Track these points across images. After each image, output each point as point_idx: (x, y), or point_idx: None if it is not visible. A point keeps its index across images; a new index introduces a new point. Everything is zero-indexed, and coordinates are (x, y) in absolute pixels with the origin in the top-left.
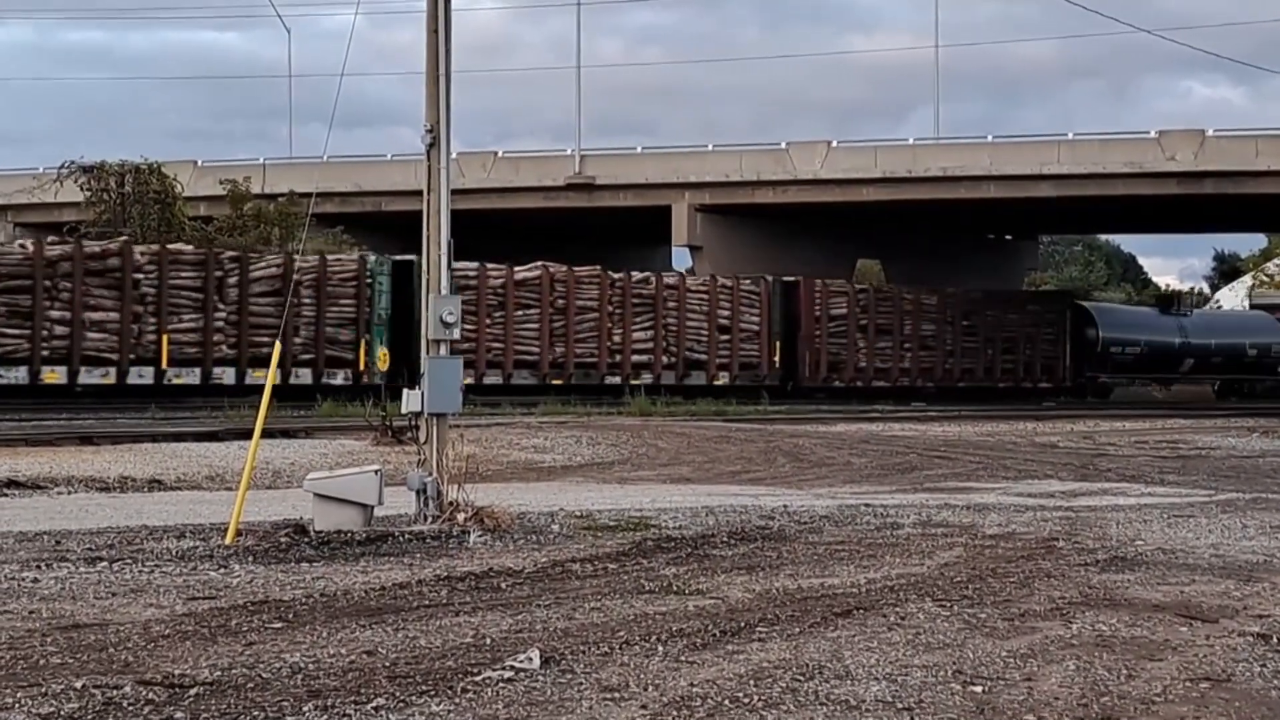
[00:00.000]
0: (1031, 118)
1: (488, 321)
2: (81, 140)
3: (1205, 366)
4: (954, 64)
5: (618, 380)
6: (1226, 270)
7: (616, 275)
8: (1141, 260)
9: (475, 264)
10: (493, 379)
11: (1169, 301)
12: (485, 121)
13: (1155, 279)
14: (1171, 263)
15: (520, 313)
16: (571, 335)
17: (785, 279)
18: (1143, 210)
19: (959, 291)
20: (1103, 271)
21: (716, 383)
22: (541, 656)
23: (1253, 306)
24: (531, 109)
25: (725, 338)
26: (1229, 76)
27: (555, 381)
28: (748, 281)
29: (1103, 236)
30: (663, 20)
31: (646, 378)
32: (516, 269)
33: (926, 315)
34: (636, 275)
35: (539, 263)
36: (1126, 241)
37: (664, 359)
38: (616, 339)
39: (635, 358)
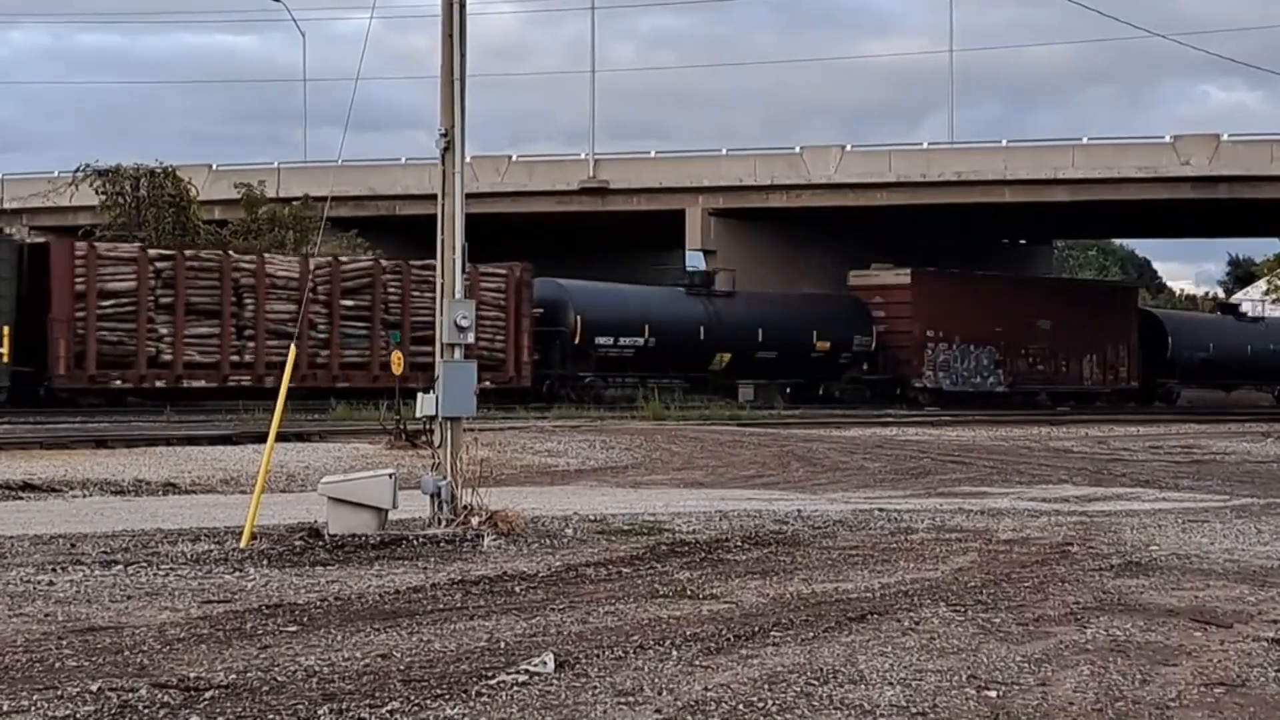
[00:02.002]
0: (1046, 122)
1: None
2: (97, 144)
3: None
4: (969, 68)
5: None
6: (1241, 275)
7: None
8: (1156, 265)
9: None
10: None
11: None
12: (500, 125)
13: (1170, 284)
14: (1187, 267)
15: None
16: None
17: (34, 240)
18: (1157, 215)
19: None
20: (1117, 276)
21: None
22: (555, 660)
23: None
24: (546, 112)
25: None
26: (1246, 80)
27: None
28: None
29: (1117, 241)
30: (677, 24)
31: None
32: None
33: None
34: None
35: None
36: (1141, 246)
37: None
38: None
39: None
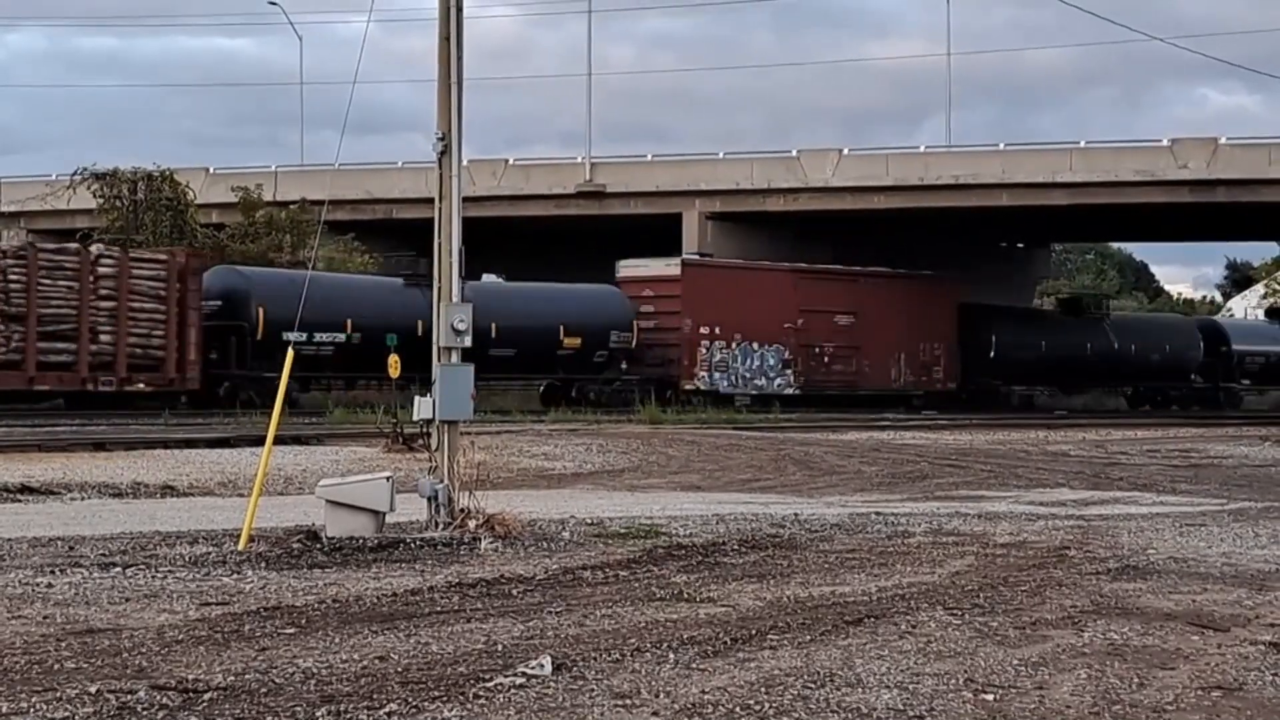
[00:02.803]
0: (1046, 124)
1: None
2: (94, 147)
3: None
4: (968, 70)
5: None
6: (1239, 279)
7: None
8: (1154, 269)
9: None
10: None
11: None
12: (498, 128)
13: (1168, 287)
14: (1185, 271)
15: None
16: None
17: None
18: (1155, 218)
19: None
20: (1115, 280)
21: None
22: (553, 663)
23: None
24: (545, 115)
25: None
26: (1245, 83)
27: None
28: None
29: (1115, 245)
30: (676, 26)
31: None
32: None
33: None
34: None
35: None
36: (1139, 250)
37: None
38: None
39: None
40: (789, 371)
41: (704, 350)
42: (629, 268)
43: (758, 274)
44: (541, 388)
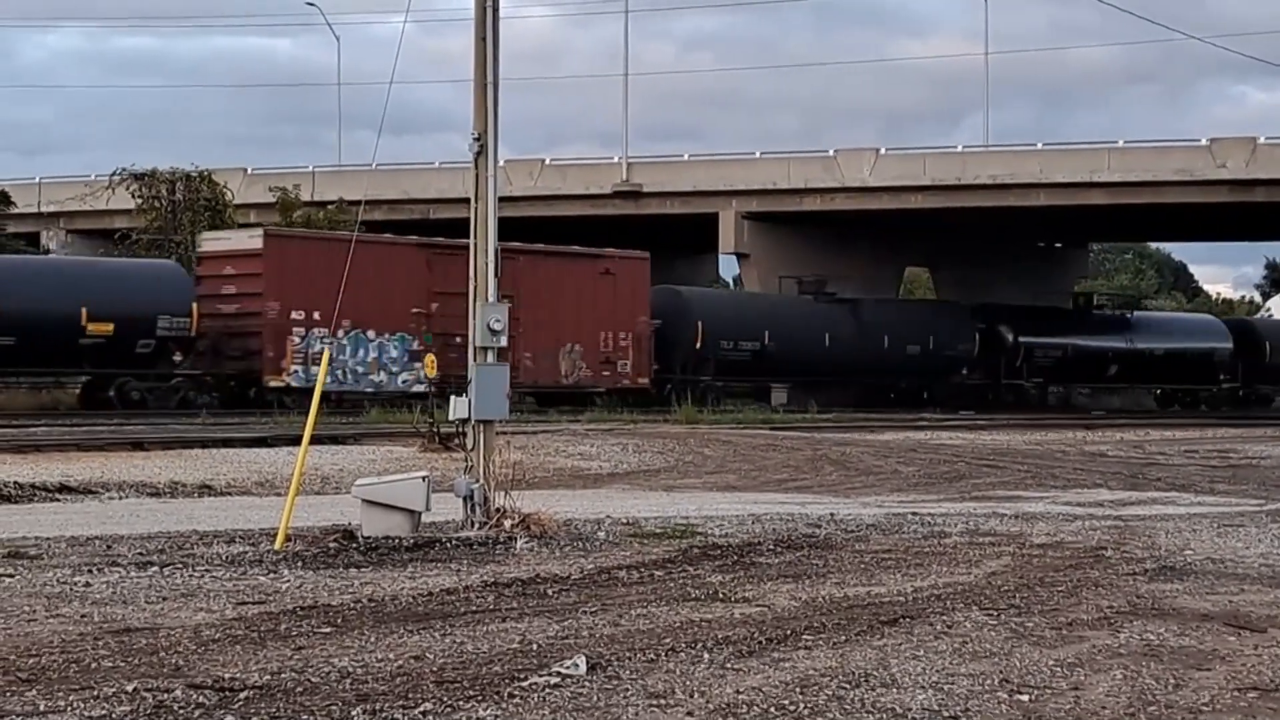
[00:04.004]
0: (1084, 124)
1: None
2: (133, 147)
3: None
4: (1006, 70)
5: None
6: (1278, 278)
7: None
8: (1193, 268)
9: None
10: None
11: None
12: (535, 128)
13: (1207, 287)
14: (1224, 270)
15: None
16: None
17: None
18: (1194, 218)
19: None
20: (1153, 280)
21: None
22: (588, 663)
23: None
24: (582, 115)
25: None
26: None
27: None
28: None
29: (1153, 244)
30: (714, 25)
31: None
32: None
33: None
34: None
35: None
36: (1177, 249)
37: None
38: None
39: None
40: (418, 365)
41: (297, 340)
42: (211, 240)
43: (377, 249)
44: (79, 387)
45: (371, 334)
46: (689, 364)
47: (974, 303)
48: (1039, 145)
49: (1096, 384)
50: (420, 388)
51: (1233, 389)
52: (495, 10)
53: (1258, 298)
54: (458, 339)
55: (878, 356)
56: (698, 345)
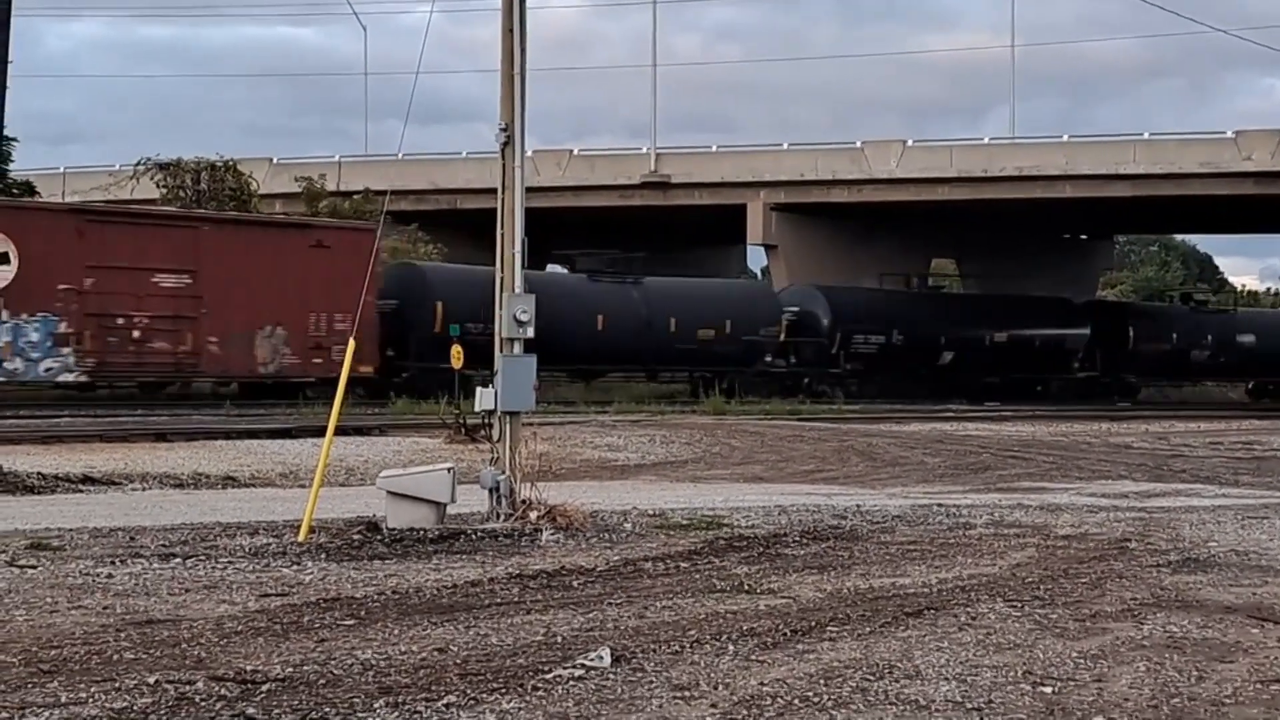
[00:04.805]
0: (1110, 116)
1: None
2: (158, 137)
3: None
4: (1032, 62)
5: None
6: None
7: None
8: (1219, 260)
9: None
10: None
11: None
12: (563, 118)
13: (1233, 279)
14: (1251, 262)
15: None
16: None
17: None
18: (1219, 210)
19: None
20: (1179, 272)
21: None
22: (612, 654)
23: None
24: (610, 105)
25: None
26: None
27: None
28: None
29: (1179, 236)
30: (742, 17)
31: None
32: None
33: None
34: None
35: None
36: (1203, 241)
37: None
38: None
39: None
40: (67, 350)
41: None
42: None
43: (16, 215)
44: None
45: (5, 314)
46: (428, 350)
47: (787, 285)
48: (1065, 137)
49: (928, 372)
50: (69, 377)
51: (1090, 378)
52: (522, 1)
53: None
54: (120, 320)
55: (662, 342)
56: (436, 329)
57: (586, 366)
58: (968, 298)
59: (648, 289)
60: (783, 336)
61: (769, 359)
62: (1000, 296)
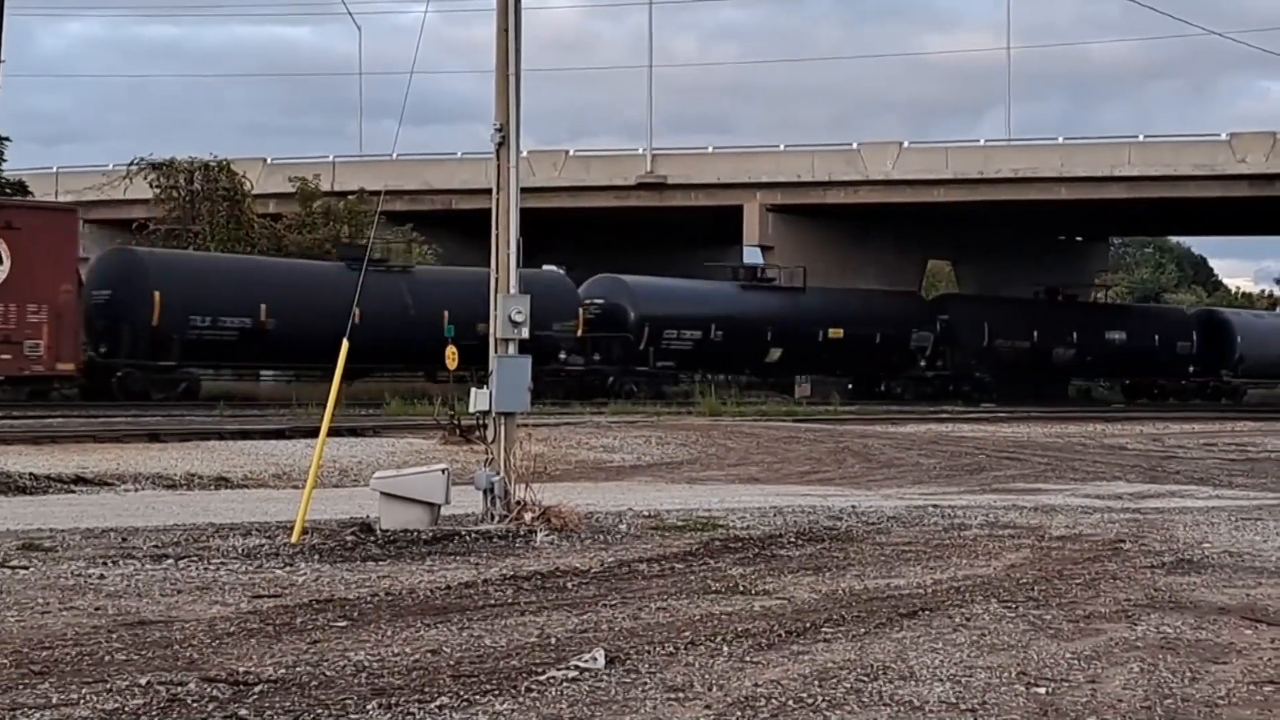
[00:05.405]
0: (1108, 117)
1: None
2: (153, 136)
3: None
4: (1031, 64)
5: None
6: None
7: None
8: (1214, 262)
9: None
10: None
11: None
12: (561, 118)
13: (1227, 281)
14: (1246, 264)
15: None
16: None
17: None
18: (1214, 212)
19: None
20: (1174, 274)
21: None
22: (606, 656)
23: None
24: (607, 106)
25: None
26: None
27: None
28: None
29: (1174, 238)
30: (740, 17)
31: None
32: None
33: None
34: None
35: None
36: (1198, 243)
37: None
38: None
39: None
40: None
41: None
42: None
43: None
44: None
45: None
46: (143, 346)
47: (581, 273)
48: (1060, 139)
49: (753, 371)
50: None
51: (939, 377)
52: (517, 1)
53: (1278, 291)
54: None
55: (435, 337)
56: (154, 322)
57: (326, 366)
58: (798, 291)
59: (416, 279)
60: (580, 332)
61: (564, 356)
62: (840, 291)
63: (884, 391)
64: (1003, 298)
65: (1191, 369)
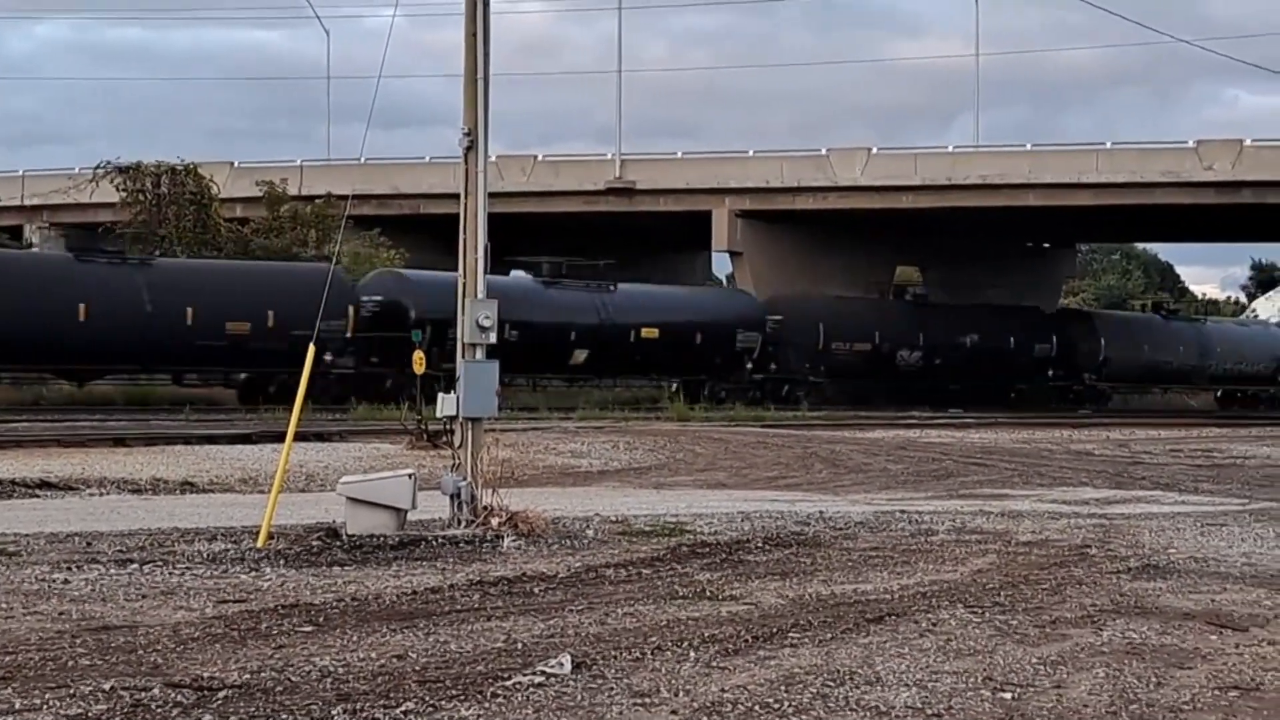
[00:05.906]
0: (1076, 124)
1: None
2: (121, 139)
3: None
4: (999, 70)
5: None
6: (1264, 279)
7: None
8: (1180, 269)
9: None
10: None
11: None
12: (531, 123)
13: (1194, 288)
14: (1211, 271)
15: None
16: None
17: None
18: (1181, 219)
19: None
20: (1140, 280)
21: None
22: (573, 661)
23: None
24: (578, 110)
25: None
26: (1277, 84)
27: None
28: None
29: (1141, 245)
30: (710, 23)
31: None
32: None
33: None
34: None
35: None
36: (1164, 250)
37: None
38: None
39: None
40: None
41: None
42: None
43: None
44: None
45: None
46: None
47: (364, 269)
48: (1028, 146)
49: (557, 374)
50: None
51: (772, 379)
52: (485, 6)
53: (1243, 298)
54: None
55: (177, 337)
56: None
57: (64, 366)
58: (606, 288)
59: (156, 272)
60: (350, 332)
61: (329, 358)
62: (654, 289)
63: (708, 395)
64: (841, 297)
65: (1051, 372)
